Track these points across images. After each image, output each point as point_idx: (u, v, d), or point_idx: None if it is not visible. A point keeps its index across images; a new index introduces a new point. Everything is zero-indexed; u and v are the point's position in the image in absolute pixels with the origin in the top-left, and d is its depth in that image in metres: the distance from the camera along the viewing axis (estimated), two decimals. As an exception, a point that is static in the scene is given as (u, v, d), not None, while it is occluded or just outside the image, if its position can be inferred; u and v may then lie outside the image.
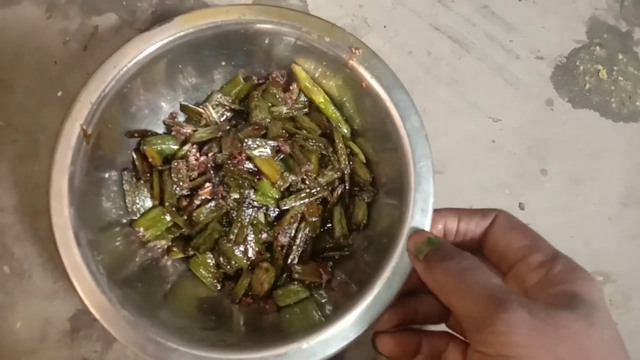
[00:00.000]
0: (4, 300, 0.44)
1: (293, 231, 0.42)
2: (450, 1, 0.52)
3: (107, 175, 0.41)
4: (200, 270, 0.41)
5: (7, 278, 0.44)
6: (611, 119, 0.50)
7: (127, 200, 0.42)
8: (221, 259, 0.41)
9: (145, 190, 0.42)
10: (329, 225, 0.43)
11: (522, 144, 0.49)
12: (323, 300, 0.40)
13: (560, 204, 0.49)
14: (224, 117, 0.44)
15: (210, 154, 0.42)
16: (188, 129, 0.43)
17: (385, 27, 0.51)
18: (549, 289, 0.26)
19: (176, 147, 0.43)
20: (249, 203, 0.41)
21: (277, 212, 0.42)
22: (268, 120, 0.43)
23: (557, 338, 0.23)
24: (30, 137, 0.48)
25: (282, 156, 0.42)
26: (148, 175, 0.42)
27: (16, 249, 0.45)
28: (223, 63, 0.43)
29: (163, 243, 0.42)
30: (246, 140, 0.41)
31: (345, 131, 0.42)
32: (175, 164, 0.42)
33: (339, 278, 0.41)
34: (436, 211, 0.33)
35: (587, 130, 0.50)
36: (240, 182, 0.41)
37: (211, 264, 0.42)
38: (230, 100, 0.44)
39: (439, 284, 0.28)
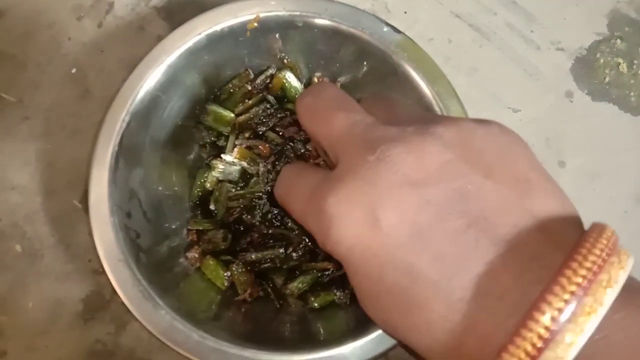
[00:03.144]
0: (15, 280, 0.43)
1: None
2: (471, -11, 0.52)
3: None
4: (212, 273, 0.41)
5: (19, 258, 0.44)
6: (630, 113, 0.50)
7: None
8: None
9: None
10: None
11: (541, 135, 0.49)
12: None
13: (576, 196, 0.48)
14: None
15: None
16: None
17: (405, 12, 0.51)
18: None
19: (300, 90, 0.43)
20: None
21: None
22: None
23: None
24: (43, 115, 0.47)
25: None
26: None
27: (28, 229, 0.44)
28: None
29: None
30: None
31: None
32: (282, 115, 0.42)
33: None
34: None
35: (606, 124, 0.50)
36: None
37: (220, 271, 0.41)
38: None
39: None
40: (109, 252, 0.35)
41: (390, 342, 0.35)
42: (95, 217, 0.36)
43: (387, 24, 0.39)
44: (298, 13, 0.39)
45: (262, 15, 0.39)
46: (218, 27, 0.39)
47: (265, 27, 0.40)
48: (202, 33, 0.39)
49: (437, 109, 0.39)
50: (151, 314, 0.35)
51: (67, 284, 0.43)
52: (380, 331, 0.35)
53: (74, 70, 0.47)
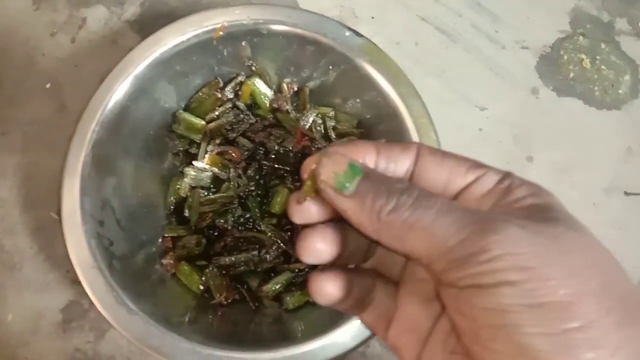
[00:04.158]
0: (-6, 293, 0.44)
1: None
2: (436, -8, 0.53)
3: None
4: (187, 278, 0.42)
5: (-2, 270, 0.44)
6: (595, 107, 0.51)
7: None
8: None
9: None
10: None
11: (509, 132, 0.50)
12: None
13: (546, 190, 0.49)
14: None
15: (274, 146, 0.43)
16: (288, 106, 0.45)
17: (373, 18, 0.52)
18: (515, 205, 0.21)
19: (269, 96, 0.44)
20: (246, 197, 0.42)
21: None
22: None
23: (562, 249, 0.19)
24: (20, 129, 0.47)
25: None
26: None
27: (6, 242, 0.45)
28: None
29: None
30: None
31: None
32: (252, 121, 0.44)
33: None
34: (350, 144, 0.24)
35: (572, 118, 0.51)
36: (268, 174, 0.42)
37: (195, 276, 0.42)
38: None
39: (387, 227, 0.21)
40: (82, 259, 0.36)
41: (361, 337, 0.36)
42: (68, 226, 0.37)
43: (349, 29, 0.40)
44: (262, 21, 0.40)
45: (227, 24, 0.40)
46: (185, 37, 0.40)
47: (232, 36, 0.41)
48: (169, 43, 0.40)
49: (401, 108, 0.40)
50: (125, 319, 0.35)
51: (47, 295, 0.44)
52: (351, 327, 0.36)
53: (48, 85, 0.48)
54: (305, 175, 0.23)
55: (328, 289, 0.24)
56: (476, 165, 0.23)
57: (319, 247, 0.23)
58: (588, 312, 0.18)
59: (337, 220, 0.24)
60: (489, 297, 0.19)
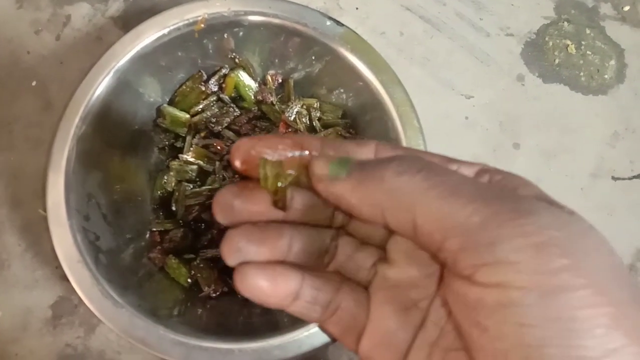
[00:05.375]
0: (-17, 291, 0.44)
1: None
2: (420, -18, 0.53)
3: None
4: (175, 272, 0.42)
5: (-14, 268, 0.44)
6: (581, 93, 0.51)
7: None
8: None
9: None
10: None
11: (495, 119, 0.50)
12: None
13: (533, 176, 0.49)
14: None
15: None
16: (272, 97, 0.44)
17: (357, 9, 0.52)
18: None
19: (253, 88, 0.44)
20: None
21: None
22: None
23: (585, 242, 0.17)
24: (6, 128, 0.47)
25: None
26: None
27: (-6, 240, 0.45)
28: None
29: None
30: None
31: None
32: (237, 113, 0.43)
33: None
34: (296, 137, 0.22)
35: (558, 104, 0.51)
36: None
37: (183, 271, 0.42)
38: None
39: (391, 194, 0.18)
40: (67, 254, 0.36)
41: None
42: (54, 221, 0.37)
43: (330, 18, 0.40)
44: (243, 12, 0.40)
45: (207, 16, 0.40)
46: (166, 31, 0.40)
47: (213, 28, 0.41)
48: (151, 37, 0.40)
49: (384, 97, 0.40)
50: (111, 311, 0.35)
51: (36, 292, 0.44)
52: None
53: (34, 83, 0.48)
54: (236, 159, 0.21)
55: (260, 284, 0.21)
56: (446, 161, 0.20)
57: (241, 246, 0.21)
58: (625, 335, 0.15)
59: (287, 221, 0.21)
60: (523, 308, 0.15)
